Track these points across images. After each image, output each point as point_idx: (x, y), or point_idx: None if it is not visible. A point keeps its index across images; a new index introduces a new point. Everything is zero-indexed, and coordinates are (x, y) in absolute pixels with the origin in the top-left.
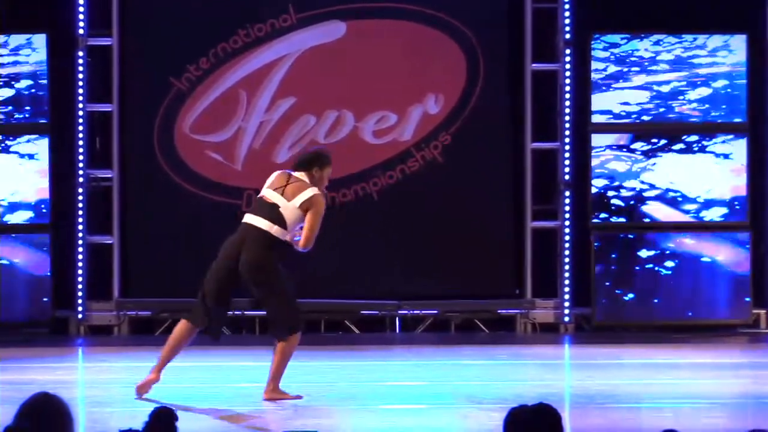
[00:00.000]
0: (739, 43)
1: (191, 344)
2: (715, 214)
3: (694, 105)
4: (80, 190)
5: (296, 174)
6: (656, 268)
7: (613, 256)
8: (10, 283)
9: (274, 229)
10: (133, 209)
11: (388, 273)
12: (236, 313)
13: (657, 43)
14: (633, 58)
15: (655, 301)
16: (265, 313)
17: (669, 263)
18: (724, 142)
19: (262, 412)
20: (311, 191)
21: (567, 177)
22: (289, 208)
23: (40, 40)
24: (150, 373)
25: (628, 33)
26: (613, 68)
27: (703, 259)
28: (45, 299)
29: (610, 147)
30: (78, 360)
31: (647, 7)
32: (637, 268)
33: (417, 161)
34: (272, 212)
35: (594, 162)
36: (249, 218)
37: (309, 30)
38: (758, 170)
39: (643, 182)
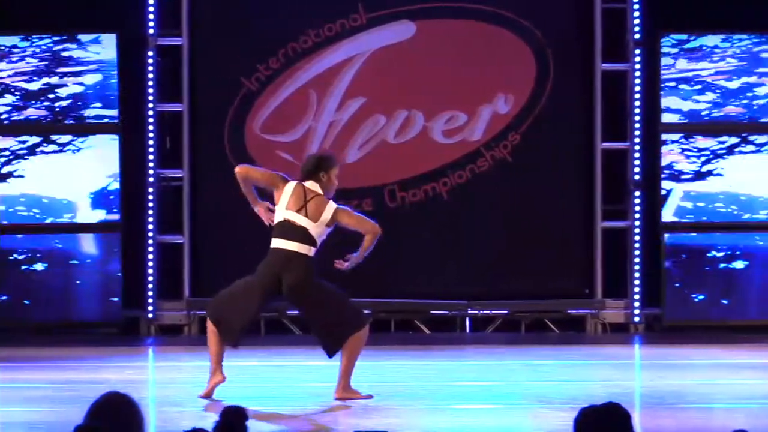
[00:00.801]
0: None
1: (261, 344)
2: None
3: (765, 101)
4: (150, 189)
5: (307, 185)
6: (727, 269)
7: (683, 256)
8: (80, 283)
9: (310, 251)
10: (203, 208)
11: (458, 273)
12: None
13: (726, 39)
14: (702, 56)
15: (725, 301)
16: (318, 328)
17: (739, 263)
18: None
19: (332, 411)
20: (331, 207)
21: (637, 177)
22: (316, 227)
23: (109, 39)
24: (210, 377)
25: (697, 31)
26: (682, 66)
27: None
28: (115, 299)
29: (678, 145)
30: (148, 359)
31: (716, 4)
32: (708, 268)
33: (486, 161)
34: (304, 235)
35: (664, 162)
36: (282, 243)
37: (379, 30)
38: None
39: (712, 182)
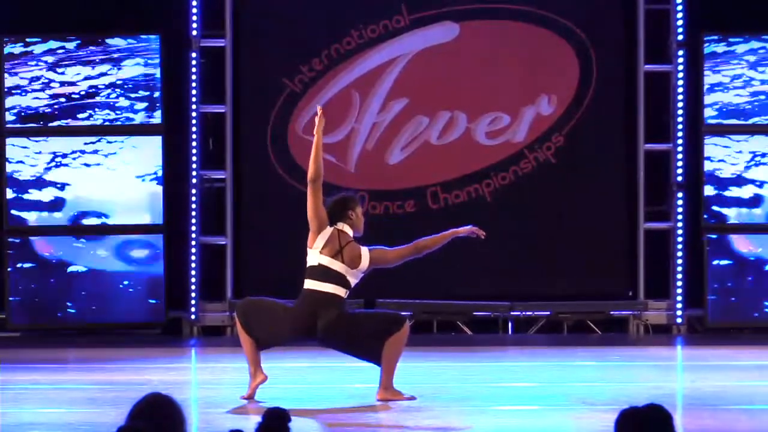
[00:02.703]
0: None
1: (305, 345)
2: None
3: None
4: (193, 191)
5: (340, 227)
6: None
7: (726, 257)
8: (123, 285)
9: (345, 293)
10: (246, 210)
11: (501, 274)
12: None
13: None
14: (746, 58)
15: None
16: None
17: None
18: None
19: (374, 412)
20: (365, 255)
21: (680, 178)
22: (353, 273)
23: (153, 41)
24: (252, 379)
25: (741, 32)
26: (726, 68)
27: None
28: (158, 300)
29: (723, 148)
30: (191, 361)
31: (759, 5)
32: (751, 269)
33: (530, 162)
34: (341, 280)
35: (706, 163)
36: (318, 285)
37: (422, 31)
38: None
39: (755, 183)
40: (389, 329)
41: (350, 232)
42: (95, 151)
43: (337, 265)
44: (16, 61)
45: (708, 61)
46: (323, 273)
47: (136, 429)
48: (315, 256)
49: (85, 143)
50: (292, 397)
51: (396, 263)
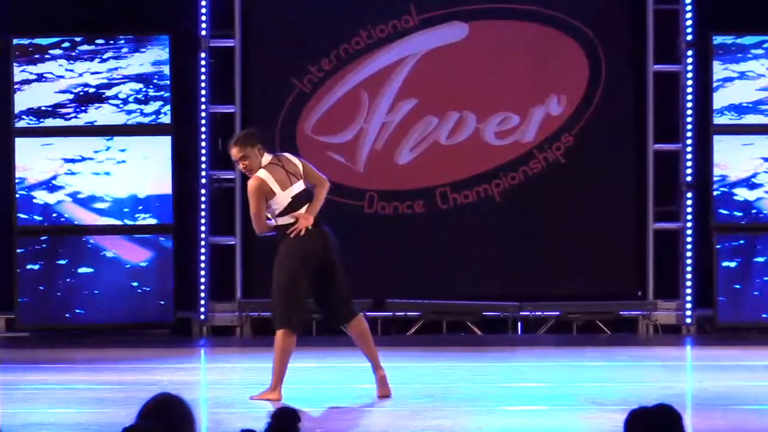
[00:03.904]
0: None
1: (312, 345)
2: None
3: None
4: (203, 191)
5: (268, 159)
6: None
7: (736, 257)
8: (132, 285)
9: None
10: None
11: (510, 274)
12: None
13: None
14: (755, 55)
15: None
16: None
17: None
18: None
19: (384, 412)
20: (296, 160)
21: (689, 178)
22: (304, 185)
23: (162, 41)
24: (269, 391)
25: (750, 32)
26: (734, 68)
27: None
28: (167, 300)
29: (731, 147)
30: (200, 361)
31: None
32: (760, 269)
33: (539, 162)
34: (311, 195)
35: (716, 162)
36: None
37: (431, 31)
38: None
39: (765, 183)
40: (354, 305)
41: (272, 156)
42: (105, 152)
43: (299, 186)
44: (24, 59)
45: (716, 60)
46: (300, 199)
47: (146, 429)
48: (285, 196)
49: (95, 144)
50: (301, 398)
51: (314, 176)
